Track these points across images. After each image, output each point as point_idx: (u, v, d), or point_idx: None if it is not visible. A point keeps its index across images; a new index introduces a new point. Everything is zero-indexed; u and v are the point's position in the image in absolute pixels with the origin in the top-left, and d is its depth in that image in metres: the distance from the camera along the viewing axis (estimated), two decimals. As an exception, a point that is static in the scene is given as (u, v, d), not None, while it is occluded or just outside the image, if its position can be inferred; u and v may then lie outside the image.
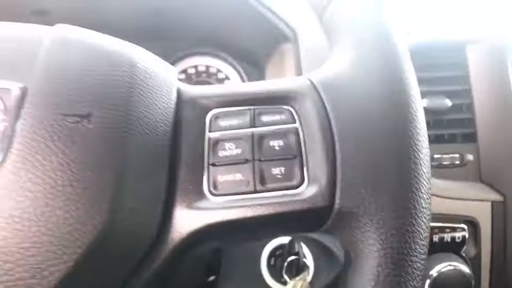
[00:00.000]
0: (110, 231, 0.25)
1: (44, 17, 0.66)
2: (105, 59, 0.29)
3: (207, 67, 0.82)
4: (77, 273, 0.24)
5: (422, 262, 0.26)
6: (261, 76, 0.81)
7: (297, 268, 0.57)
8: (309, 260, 0.60)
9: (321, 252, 0.63)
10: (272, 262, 0.61)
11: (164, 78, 0.31)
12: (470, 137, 0.62)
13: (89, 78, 0.28)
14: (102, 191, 0.25)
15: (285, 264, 0.57)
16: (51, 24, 0.64)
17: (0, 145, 0.25)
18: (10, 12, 0.65)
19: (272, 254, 0.62)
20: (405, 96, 0.28)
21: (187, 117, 0.31)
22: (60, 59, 0.28)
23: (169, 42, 0.74)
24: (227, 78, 0.83)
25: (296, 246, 0.57)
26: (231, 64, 0.81)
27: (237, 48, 0.78)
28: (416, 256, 0.26)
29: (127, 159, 0.26)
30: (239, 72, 0.82)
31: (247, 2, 0.64)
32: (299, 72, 0.68)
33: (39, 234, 0.23)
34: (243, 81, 0.82)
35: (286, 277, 0.57)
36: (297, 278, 0.56)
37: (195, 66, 0.81)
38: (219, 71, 0.82)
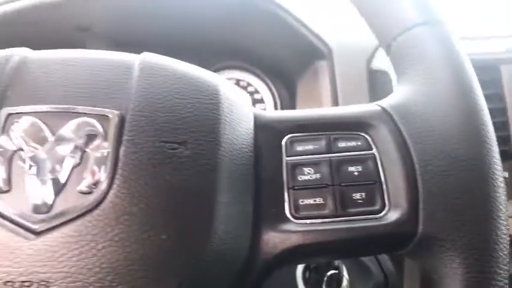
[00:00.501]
0: (207, 255, 0.26)
1: (86, 32, 0.68)
2: (192, 87, 0.30)
3: (238, 81, 0.83)
4: None
5: (506, 283, 0.28)
6: (291, 92, 0.82)
7: (337, 282, 0.58)
8: (345, 274, 0.61)
9: (356, 267, 0.64)
10: (307, 275, 0.62)
11: (242, 104, 0.33)
12: (506, 155, 0.64)
13: (180, 106, 0.29)
14: (199, 216, 0.26)
15: (325, 278, 0.58)
16: (92, 39, 0.66)
17: (106, 171, 0.26)
18: (54, 28, 0.67)
19: (307, 267, 0.63)
20: (480, 123, 0.30)
21: (263, 142, 0.32)
22: (152, 86, 0.29)
23: (206, 56, 0.75)
24: (257, 92, 0.84)
25: (336, 261, 0.59)
26: (262, 79, 0.82)
27: (270, 63, 0.80)
28: (500, 280, 0.27)
29: (219, 184, 0.27)
30: (269, 88, 0.83)
31: (283, 19, 0.66)
32: (334, 89, 0.69)
33: (145, 258, 0.25)
34: (273, 96, 0.84)
35: (326, 291, 0.58)
36: (338, 291, 0.57)
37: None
38: (249, 84, 0.84)
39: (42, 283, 0.23)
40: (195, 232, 0.26)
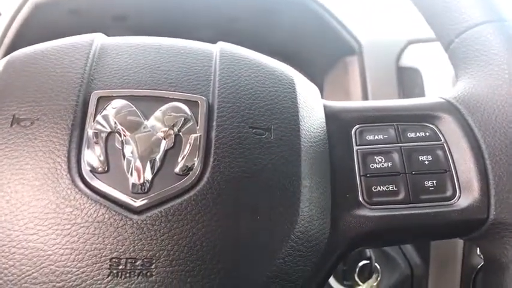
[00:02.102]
0: (296, 235, 0.27)
1: (123, 22, 0.69)
2: (271, 77, 0.32)
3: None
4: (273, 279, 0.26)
5: None
6: (318, 85, 0.83)
7: (369, 272, 0.60)
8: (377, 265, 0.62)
9: (382, 258, 0.66)
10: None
11: (314, 95, 0.34)
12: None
13: (262, 94, 0.30)
14: (287, 198, 0.28)
15: (357, 268, 0.60)
16: (130, 29, 0.67)
17: (200, 154, 0.27)
18: (92, 17, 0.67)
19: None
20: None
21: (334, 131, 0.33)
22: (234, 75, 0.31)
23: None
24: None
25: (367, 251, 0.60)
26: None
27: (297, 55, 0.81)
28: None
29: (303, 169, 0.29)
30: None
31: (317, 13, 0.67)
32: (364, 84, 0.71)
33: (242, 237, 0.26)
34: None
35: (358, 280, 0.59)
36: (370, 281, 0.59)
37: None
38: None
39: (146, 260, 0.25)
40: (284, 213, 0.27)
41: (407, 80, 0.71)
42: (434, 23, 0.38)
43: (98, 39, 0.32)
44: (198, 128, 0.28)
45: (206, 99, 0.29)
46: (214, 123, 0.28)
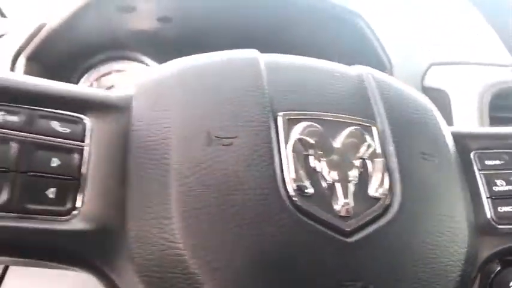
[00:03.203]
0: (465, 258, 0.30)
1: (168, 23, 0.67)
2: (420, 103, 0.35)
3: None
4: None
5: None
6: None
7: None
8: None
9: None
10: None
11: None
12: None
13: (419, 120, 0.34)
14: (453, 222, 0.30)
15: None
16: (176, 30, 0.67)
17: (387, 178, 0.29)
18: (138, 17, 0.65)
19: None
20: None
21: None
22: (394, 101, 0.33)
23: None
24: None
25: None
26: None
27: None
28: None
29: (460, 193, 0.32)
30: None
31: (364, 32, 0.70)
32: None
33: (446, 253, 0.28)
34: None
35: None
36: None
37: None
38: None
39: (365, 281, 0.25)
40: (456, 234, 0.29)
41: (432, 100, 0.75)
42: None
43: (260, 56, 0.32)
44: (379, 152, 0.29)
45: (379, 123, 0.31)
46: (392, 148, 0.30)
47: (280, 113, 0.29)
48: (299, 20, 0.71)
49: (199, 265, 0.24)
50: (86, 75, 0.77)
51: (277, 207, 0.25)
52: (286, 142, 0.28)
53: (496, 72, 0.75)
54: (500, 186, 0.35)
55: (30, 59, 0.64)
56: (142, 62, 0.80)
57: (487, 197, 0.35)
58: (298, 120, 0.29)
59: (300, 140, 0.28)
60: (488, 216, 0.34)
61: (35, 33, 0.59)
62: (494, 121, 0.72)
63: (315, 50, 0.80)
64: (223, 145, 0.27)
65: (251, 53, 0.32)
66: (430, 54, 0.79)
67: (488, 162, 0.36)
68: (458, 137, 0.37)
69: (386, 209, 0.28)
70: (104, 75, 0.80)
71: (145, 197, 0.26)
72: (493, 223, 0.34)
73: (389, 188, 0.28)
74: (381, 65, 0.75)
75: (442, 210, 0.30)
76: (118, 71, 0.80)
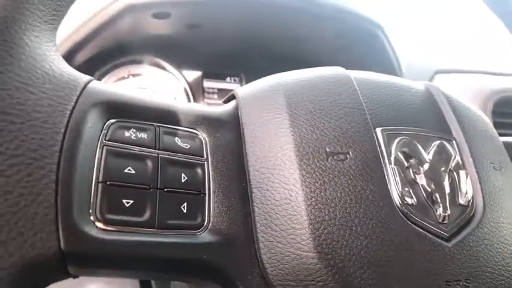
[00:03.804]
0: None
1: (197, 29, 0.68)
2: (481, 119, 0.38)
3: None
4: None
5: None
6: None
7: None
8: None
9: None
10: None
11: None
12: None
13: (489, 132, 0.36)
14: None
15: None
16: (202, 36, 0.69)
17: (472, 188, 0.32)
18: (170, 23, 0.66)
19: None
20: None
21: None
22: (464, 115, 0.36)
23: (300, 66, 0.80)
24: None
25: None
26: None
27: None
28: None
29: None
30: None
31: (381, 41, 0.73)
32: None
33: None
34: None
35: None
36: None
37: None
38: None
39: (468, 281, 0.29)
40: None
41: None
42: None
43: (350, 73, 0.35)
44: (461, 164, 0.33)
45: (455, 137, 0.34)
46: (471, 160, 0.33)
47: (379, 129, 0.31)
48: (323, 29, 0.73)
49: (333, 273, 0.26)
50: (105, 78, 0.77)
51: (392, 217, 0.28)
52: (389, 156, 0.30)
53: (498, 80, 0.80)
54: None
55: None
56: (160, 66, 0.80)
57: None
58: (396, 136, 0.31)
59: (399, 153, 0.31)
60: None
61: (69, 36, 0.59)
62: (496, 127, 0.78)
63: (335, 54, 0.84)
64: (340, 160, 0.29)
65: (340, 70, 0.35)
66: (435, 63, 0.84)
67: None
68: (505, 146, 0.41)
69: (472, 215, 0.31)
70: (120, 78, 0.80)
71: (272, 209, 0.28)
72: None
73: (472, 197, 0.32)
74: (392, 72, 0.79)
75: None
76: (135, 74, 0.80)
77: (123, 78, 0.79)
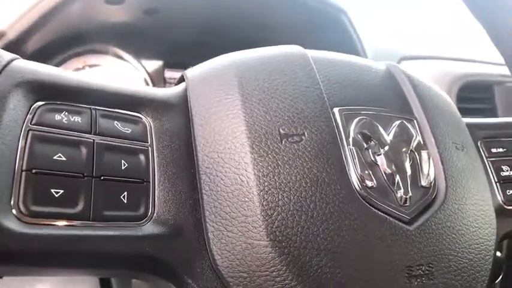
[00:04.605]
0: None
1: (154, 16, 0.65)
2: (440, 94, 0.37)
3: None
4: None
5: None
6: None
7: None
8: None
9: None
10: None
11: None
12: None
13: (450, 112, 0.36)
14: None
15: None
16: (161, 23, 0.67)
17: (434, 168, 0.30)
18: (125, 9, 0.63)
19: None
20: None
21: None
22: (425, 94, 0.35)
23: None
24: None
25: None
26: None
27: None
28: None
29: None
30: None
31: (347, 29, 0.72)
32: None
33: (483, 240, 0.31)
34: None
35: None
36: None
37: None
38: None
39: (430, 265, 0.27)
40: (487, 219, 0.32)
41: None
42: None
43: (307, 51, 0.33)
44: (423, 144, 0.31)
45: (418, 117, 0.33)
46: (433, 139, 0.32)
47: (336, 109, 0.30)
48: (285, 15, 0.72)
49: (288, 262, 0.24)
50: (59, 69, 0.73)
51: (350, 200, 0.26)
52: (347, 137, 0.29)
53: (463, 66, 0.81)
54: (506, 171, 0.39)
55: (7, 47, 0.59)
56: (119, 56, 0.76)
57: (495, 182, 0.38)
58: (354, 116, 0.30)
59: (358, 134, 0.29)
60: (499, 199, 0.37)
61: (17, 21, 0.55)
62: (461, 112, 0.78)
63: (297, 39, 0.82)
64: (294, 142, 0.27)
65: (297, 49, 0.33)
66: (401, 49, 0.83)
67: (493, 150, 0.40)
68: (467, 127, 0.40)
69: (434, 197, 0.30)
70: (76, 70, 0.76)
71: (222, 196, 0.25)
72: (504, 205, 0.37)
73: (440, 178, 0.30)
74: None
75: (477, 196, 0.32)
76: (92, 65, 0.76)
77: (79, 69, 0.75)
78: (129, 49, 0.75)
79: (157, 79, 0.76)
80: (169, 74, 0.78)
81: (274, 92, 0.29)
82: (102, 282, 0.58)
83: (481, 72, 0.84)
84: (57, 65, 0.73)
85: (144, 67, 0.76)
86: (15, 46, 0.61)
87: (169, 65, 0.77)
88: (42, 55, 0.69)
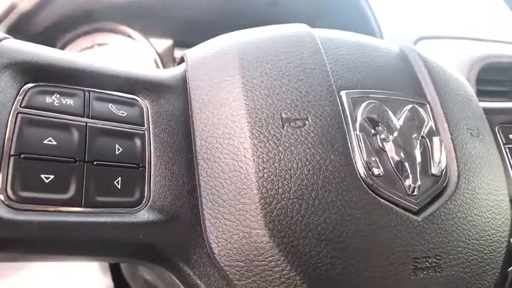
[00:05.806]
0: None
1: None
2: (457, 77, 0.35)
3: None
4: None
5: None
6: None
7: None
8: None
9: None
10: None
11: None
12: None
13: (467, 96, 0.34)
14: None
15: None
16: (171, 2, 0.65)
17: (446, 155, 0.29)
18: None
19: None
20: None
21: None
22: (441, 79, 0.32)
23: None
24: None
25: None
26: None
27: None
28: None
29: None
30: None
31: (363, 9, 0.69)
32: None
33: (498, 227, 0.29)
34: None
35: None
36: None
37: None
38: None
39: (437, 257, 0.26)
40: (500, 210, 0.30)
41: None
42: None
43: (313, 30, 0.31)
44: (434, 130, 0.29)
45: (431, 101, 0.31)
46: (446, 125, 0.30)
47: (343, 92, 0.28)
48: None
49: (286, 252, 0.23)
50: (67, 48, 0.72)
51: (355, 188, 0.25)
52: (354, 122, 0.27)
53: (484, 46, 0.77)
54: None
55: (10, 30, 0.59)
56: (127, 35, 0.75)
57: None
58: (362, 100, 0.28)
59: (366, 119, 0.27)
60: None
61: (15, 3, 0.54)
62: (480, 95, 0.75)
63: (312, 19, 0.80)
64: (297, 127, 0.26)
65: (303, 28, 0.31)
66: (419, 28, 0.80)
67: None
68: (484, 112, 0.38)
69: (445, 186, 0.28)
70: (85, 49, 0.75)
71: (220, 183, 0.24)
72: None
73: (452, 165, 0.29)
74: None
75: (491, 185, 0.30)
76: (100, 44, 0.75)
77: (87, 48, 0.74)
78: (139, 28, 0.73)
79: (167, 58, 0.75)
80: (179, 53, 0.76)
81: (277, 74, 0.27)
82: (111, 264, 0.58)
83: (503, 54, 0.80)
84: (67, 43, 0.72)
85: (153, 46, 0.75)
86: (26, 19, 0.60)
87: (179, 44, 0.75)
88: (52, 33, 0.68)
